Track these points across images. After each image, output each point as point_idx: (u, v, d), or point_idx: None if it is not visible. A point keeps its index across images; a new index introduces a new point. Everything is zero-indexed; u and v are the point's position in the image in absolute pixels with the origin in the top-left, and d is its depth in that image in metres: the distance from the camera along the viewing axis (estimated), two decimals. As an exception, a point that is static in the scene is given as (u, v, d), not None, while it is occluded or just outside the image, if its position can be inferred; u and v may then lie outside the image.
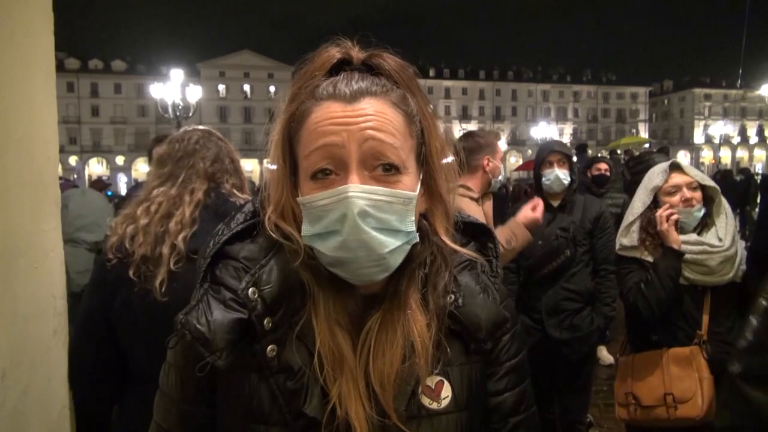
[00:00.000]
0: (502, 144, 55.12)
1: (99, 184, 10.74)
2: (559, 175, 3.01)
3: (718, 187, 2.26)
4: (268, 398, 0.75)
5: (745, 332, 1.16)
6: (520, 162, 59.60)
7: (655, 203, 2.27)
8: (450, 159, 0.84)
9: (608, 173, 5.17)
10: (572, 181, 3.07)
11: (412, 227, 0.75)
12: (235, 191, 1.66)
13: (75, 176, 52.54)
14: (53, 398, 1.48)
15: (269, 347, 0.75)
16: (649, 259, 2.22)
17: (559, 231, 3.00)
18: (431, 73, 73.38)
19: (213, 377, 0.78)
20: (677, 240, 2.15)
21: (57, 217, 1.52)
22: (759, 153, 79.49)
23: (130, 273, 1.44)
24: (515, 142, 73.90)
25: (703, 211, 2.22)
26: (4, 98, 1.27)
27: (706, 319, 2.14)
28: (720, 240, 2.16)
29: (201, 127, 1.77)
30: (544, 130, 55.24)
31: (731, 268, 2.13)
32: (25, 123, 1.35)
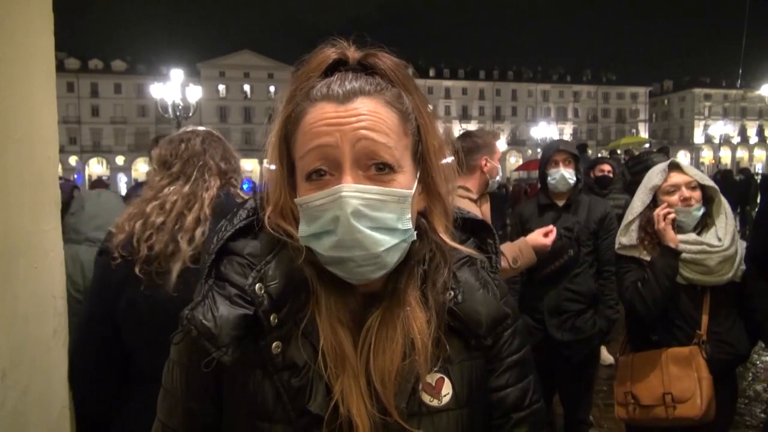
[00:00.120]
0: (502, 144, 55.31)
1: (99, 184, 10.75)
2: (564, 174, 2.98)
3: (717, 186, 2.26)
4: (272, 395, 0.75)
5: None
6: (520, 162, 59.63)
7: (655, 202, 2.28)
8: (449, 159, 0.84)
9: (611, 174, 5.16)
10: (578, 180, 3.03)
11: (409, 225, 0.75)
12: (239, 191, 1.69)
13: (75, 176, 52.54)
14: (53, 398, 1.48)
15: (274, 344, 0.75)
16: (648, 258, 2.23)
17: (563, 231, 2.95)
18: (431, 73, 73.37)
19: (218, 374, 0.78)
20: (674, 239, 2.15)
21: (57, 217, 1.52)
22: (759, 153, 79.48)
23: (137, 270, 1.44)
24: (515, 142, 73.90)
25: (702, 211, 2.22)
26: (4, 98, 1.27)
27: (705, 319, 2.15)
28: (719, 240, 2.16)
29: (201, 128, 1.78)
30: (544, 130, 55.23)
31: (730, 268, 2.13)
32: (25, 123, 1.35)
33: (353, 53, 0.80)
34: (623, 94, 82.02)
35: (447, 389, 0.79)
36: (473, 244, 0.90)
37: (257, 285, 0.76)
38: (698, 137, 77.19)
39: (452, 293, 0.81)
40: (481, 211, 2.44)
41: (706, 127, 75.09)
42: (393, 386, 0.75)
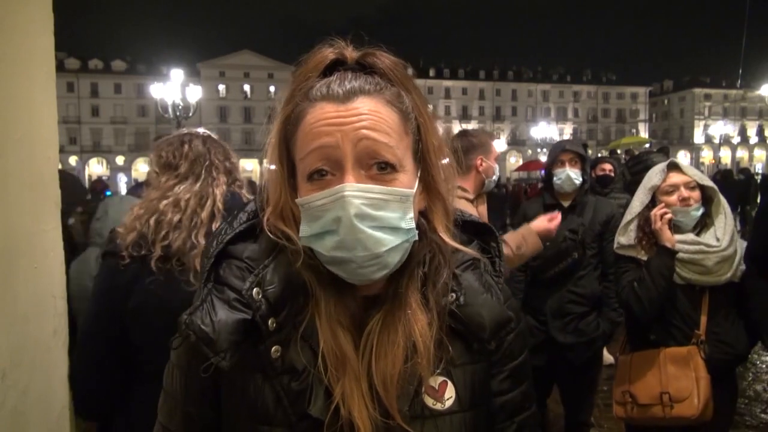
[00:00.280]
0: (502, 144, 55.25)
1: (99, 185, 10.76)
2: (570, 174, 2.93)
3: (716, 186, 2.26)
4: (272, 399, 0.75)
5: None
6: (520, 162, 59.68)
7: (654, 202, 2.27)
8: (446, 161, 0.84)
9: (612, 173, 5.16)
10: (584, 181, 2.99)
11: (412, 224, 0.75)
12: (243, 191, 1.72)
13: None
14: (53, 398, 1.48)
15: (273, 348, 0.75)
16: (645, 258, 2.23)
17: (567, 233, 2.91)
18: (431, 73, 73.38)
19: (216, 378, 0.77)
20: (671, 239, 2.15)
21: (57, 217, 1.52)
22: (759, 153, 79.48)
23: (153, 267, 1.46)
24: (515, 142, 73.91)
25: (701, 211, 2.22)
26: (4, 98, 1.27)
27: (704, 319, 2.15)
28: (717, 240, 2.16)
29: (197, 129, 1.79)
30: (544, 130, 55.33)
31: (729, 268, 2.13)
32: (25, 123, 1.35)
33: (351, 53, 0.80)
34: (623, 94, 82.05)
35: (450, 392, 0.79)
36: (476, 247, 0.89)
37: (255, 289, 0.75)
38: (698, 137, 77.18)
39: (454, 295, 0.80)
40: (478, 212, 2.42)
41: (706, 127, 75.10)
42: (395, 389, 0.75)
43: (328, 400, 0.74)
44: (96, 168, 63.56)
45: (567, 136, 69.80)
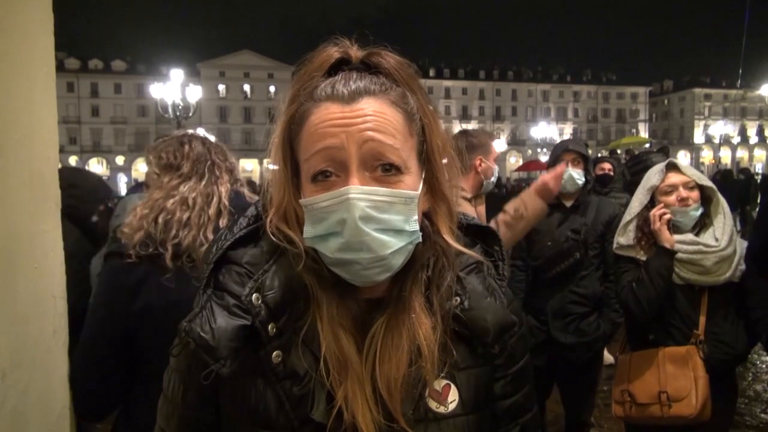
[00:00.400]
0: (502, 144, 55.20)
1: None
2: (572, 174, 2.92)
3: (715, 186, 2.26)
4: (274, 404, 0.75)
5: None
6: (521, 162, 59.67)
7: (653, 203, 2.28)
8: (444, 160, 0.83)
9: (612, 173, 5.17)
10: (587, 181, 2.98)
11: (416, 227, 0.74)
12: (245, 190, 1.74)
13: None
14: (53, 398, 1.48)
15: (274, 353, 0.74)
16: (644, 258, 2.23)
17: (569, 233, 2.92)
18: (431, 73, 73.39)
19: (217, 383, 0.76)
20: (669, 239, 2.15)
21: (57, 217, 1.51)
22: (759, 153, 79.49)
23: (169, 263, 1.47)
24: (515, 142, 73.92)
25: (700, 211, 2.23)
26: (4, 98, 1.27)
27: (702, 319, 2.15)
28: (716, 240, 2.16)
29: (191, 131, 1.81)
30: (544, 130, 55.31)
31: (728, 268, 2.13)
32: (25, 123, 1.35)
33: (356, 52, 0.79)
34: (623, 94, 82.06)
35: (453, 396, 0.79)
36: (480, 250, 0.88)
37: (254, 295, 0.74)
38: (698, 137, 77.18)
39: (458, 299, 0.80)
40: (477, 212, 2.41)
41: (706, 127, 75.10)
42: (399, 393, 0.75)
43: (331, 404, 0.74)
44: (96, 168, 63.36)
45: (567, 136, 69.63)
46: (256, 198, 0.95)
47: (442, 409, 0.78)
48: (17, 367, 1.29)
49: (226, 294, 0.76)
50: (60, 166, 1.57)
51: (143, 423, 1.05)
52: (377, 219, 0.71)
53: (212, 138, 1.82)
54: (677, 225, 2.22)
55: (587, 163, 3.02)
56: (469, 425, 0.79)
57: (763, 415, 4.13)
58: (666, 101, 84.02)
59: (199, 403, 0.80)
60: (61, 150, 22.87)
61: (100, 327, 1.53)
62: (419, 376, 0.76)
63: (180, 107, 17.58)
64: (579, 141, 3.47)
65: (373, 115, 0.72)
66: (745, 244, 2.25)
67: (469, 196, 2.38)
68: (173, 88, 17.67)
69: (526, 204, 2.22)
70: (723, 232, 2.17)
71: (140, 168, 59.95)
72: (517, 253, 3.04)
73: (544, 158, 36.26)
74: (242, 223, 0.84)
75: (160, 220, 1.53)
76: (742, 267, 2.18)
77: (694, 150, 75.14)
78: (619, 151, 13.41)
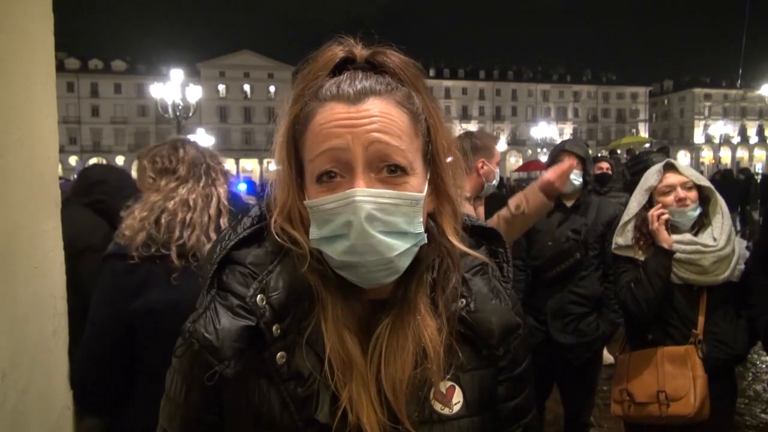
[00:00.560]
0: (502, 144, 55.19)
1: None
2: (570, 175, 2.89)
3: (713, 186, 2.26)
4: (278, 405, 0.74)
5: None
6: (521, 162, 59.68)
7: (651, 203, 2.28)
8: (450, 159, 0.83)
9: (610, 172, 5.17)
10: (586, 182, 2.98)
11: (421, 228, 0.74)
12: (241, 192, 1.77)
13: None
14: (53, 398, 1.48)
15: (279, 354, 0.74)
16: (643, 258, 2.23)
17: (570, 233, 2.91)
18: (431, 73, 73.27)
19: (220, 384, 0.76)
20: (667, 239, 2.15)
21: (57, 217, 1.52)
22: (759, 153, 79.45)
23: (176, 262, 1.49)
24: (515, 142, 73.90)
25: (698, 211, 2.23)
26: (4, 98, 1.28)
27: (701, 318, 2.15)
28: (714, 240, 2.16)
29: (198, 132, 1.84)
30: (544, 130, 55.27)
31: (726, 267, 2.13)
32: (25, 123, 1.35)
33: (361, 51, 0.78)
34: (623, 94, 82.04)
35: (458, 397, 0.79)
36: (485, 252, 0.88)
37: (258, 296, 0.74)
38: (698, 137, 77.16)
39: (464, 301, 0.80)
40: (476, 213, 2.42)
41: (706, 127, 75.11)
42: (405, 395, 0.74)
43: (335, 406, 0.73)
44: (96, 168, 63.44)
45: (567, 136, 69.64)
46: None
47: (446, 411, 0.77)
48: (17, 367, 1.29)
49: (229, 294, 0.76)
50: (60, 166, 1.57)
51: (144, 423, 1.05)
52: (383, 221, 0.70)
53: (206, 143, 1.88)
54: (675, 225, 2.22)
55: (586, 164, 3.01)
56: (474, 427, 0.79)
57: (763, 415, 4.13)
58: (666, 101, 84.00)
59: (202, 404, 0.80)
60: (61, 150, 22.89)
61: (101, 327, 1.54)
62: (424, 377, 0.76)
63: (180, 107, 17.58)
64: (578, 141, 3.47)
65: (379, 115, 0.71)
66: (744, 244, 2.26)
67: (468, 195, 2.38)
68: (173, 88, 17.67)
69: (528, 199, 2.20)
70: (721, 232, 2.17)
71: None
72: (517, 253, 3.04)
73: (544, 158, 36.27)
74: (246, 223, 0.83)
75: (162, 221, 1.54)
76: (741, 267, 2.18)
77: (694, 150, 75.12)
78: (619, 151, 13.42)
